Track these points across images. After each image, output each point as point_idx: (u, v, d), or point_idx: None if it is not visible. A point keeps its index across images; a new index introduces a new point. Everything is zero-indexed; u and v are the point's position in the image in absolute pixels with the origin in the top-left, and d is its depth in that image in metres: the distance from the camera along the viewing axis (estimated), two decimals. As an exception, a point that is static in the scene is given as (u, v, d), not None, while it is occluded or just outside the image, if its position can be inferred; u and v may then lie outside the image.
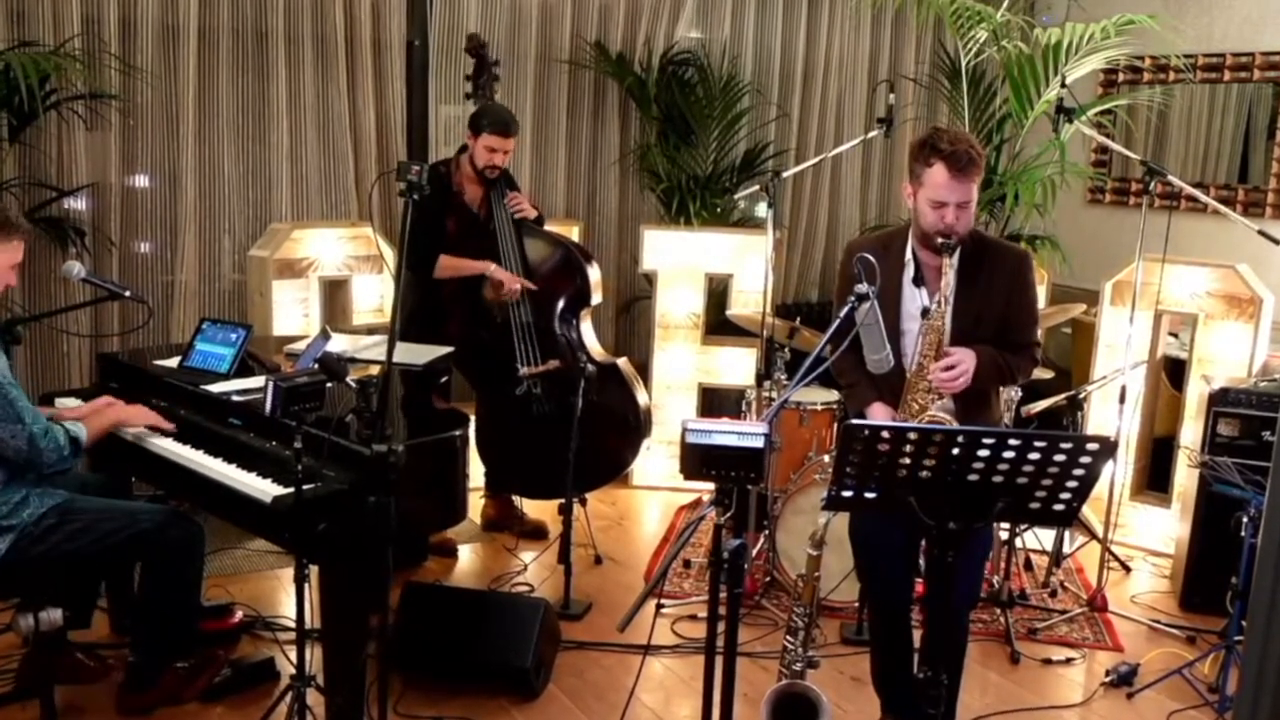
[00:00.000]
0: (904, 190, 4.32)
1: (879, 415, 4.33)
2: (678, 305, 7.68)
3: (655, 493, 7.63)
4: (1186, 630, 5.82)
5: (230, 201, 7.27)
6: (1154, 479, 7.12)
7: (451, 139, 7.83)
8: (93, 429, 4.55)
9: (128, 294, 5.03)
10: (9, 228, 4.38)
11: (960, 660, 4.40)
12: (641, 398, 6.63)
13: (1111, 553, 6.42)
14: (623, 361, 6.69)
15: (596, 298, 6.58)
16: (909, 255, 4.31)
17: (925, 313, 4.20)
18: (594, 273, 6.51)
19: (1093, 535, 6.63)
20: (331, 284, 7.04)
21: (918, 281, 4.30)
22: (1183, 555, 6.17)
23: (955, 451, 3.24)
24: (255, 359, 5.37)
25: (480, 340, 6.31)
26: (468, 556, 6.50)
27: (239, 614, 5.41)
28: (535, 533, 6.74)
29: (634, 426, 6.61)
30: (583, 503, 6.48)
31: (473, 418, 6.66)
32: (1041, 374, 6.31)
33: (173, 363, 5.33)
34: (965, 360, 4.14)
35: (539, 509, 6.81)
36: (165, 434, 4.78)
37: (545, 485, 6.24)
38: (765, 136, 9.14)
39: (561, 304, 6.41)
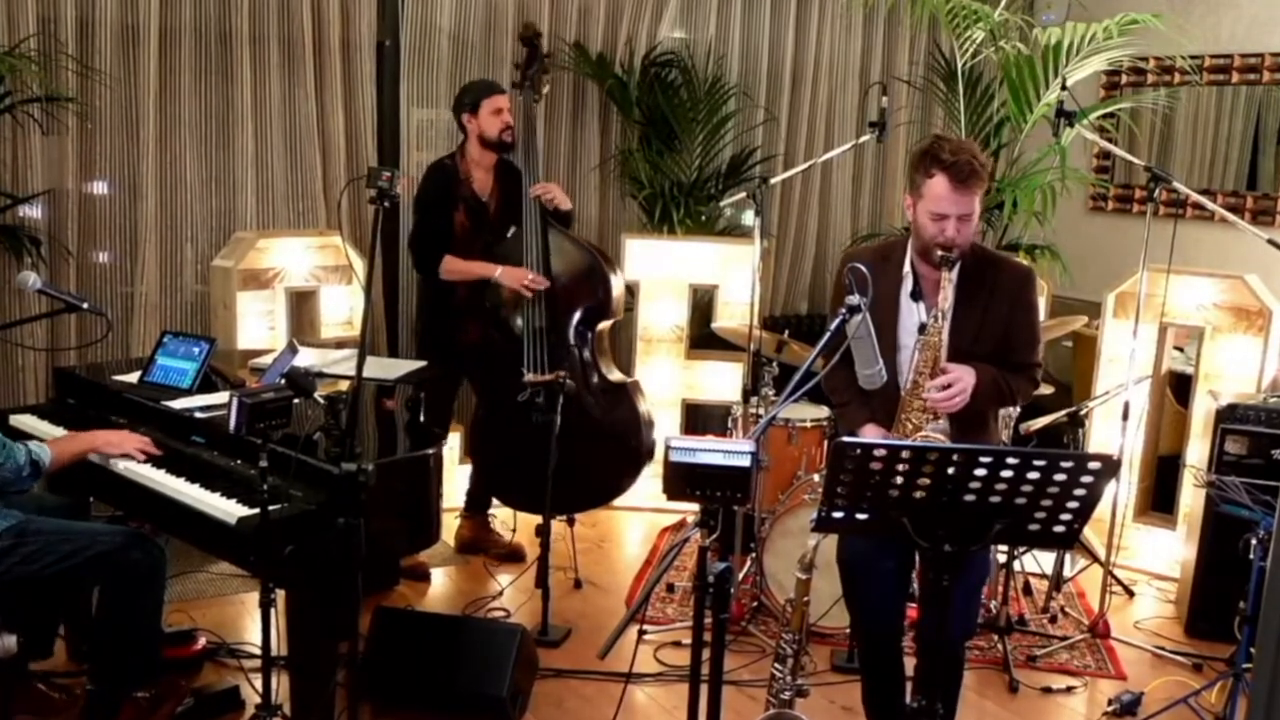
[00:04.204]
0: (904, 201, 4.34)
1: (871, 437, 4.34)
2: (660, 317, 7.71)
3: (638, 514, 7.63)
4: (1192, 657, 5.85)
5: (193, 209, 7.26)
6: (1158, 499, 7.15)
7: (424, 144, 7.85)
8: (62, 451, 4.53)
9: (85, 306, 5.03)
10: None
11: (956, 691, 4.41)
12: (649, 421, 6.66)
13: (1114, 576, 6.45)
14: (633, 381, 6.71)
15: (617, 313, 6.62)
16: (907, 268, 4.32)
17: (923, 328, 4.21)
18: (618, 286, 6.56)
19: (1094, 558, 6.65)
20: (299, 295, 7.06)
21: (916, 295, 4.30)
22: (1188, 579, 6.20)
23: (951, 471, 3.26)
24: (219, 374, 5.38)
25: (493, 342, 6.36)
26: (441, 580, 6.50)
27: (202, 640, 5.40)
28: (512, 556, 6.74)
29: (635, 450, 6.62)
30: (571, 523, 6.50)
31: (455, 434, 6.73)
32: (1041, 389, 6.32)
33: (133, 378, 5.34)
34: (963, 379, 4.15)
35: (518, 527, 6.81)
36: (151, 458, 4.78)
37: (535, 498, 6.18)
38: (752, 141, 9.15)
39: (578, 316, 6.45)
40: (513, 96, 6.59)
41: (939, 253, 4.13)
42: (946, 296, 4.17)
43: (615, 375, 6.68)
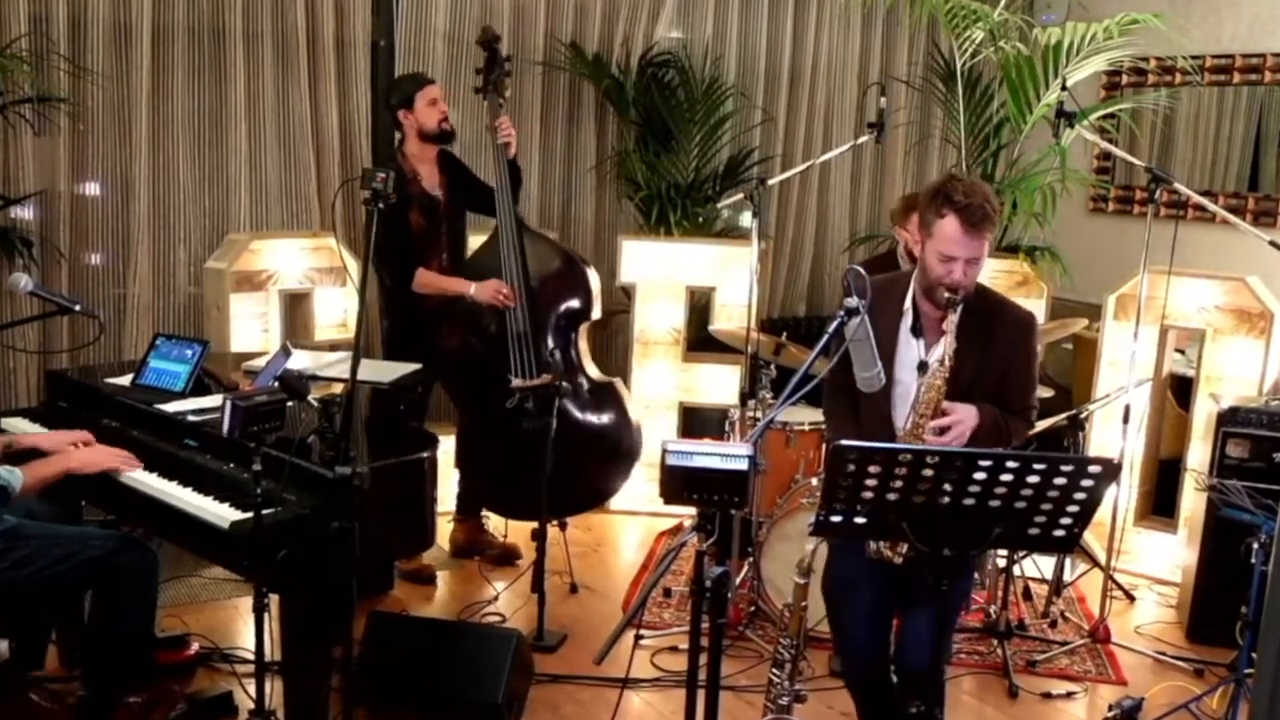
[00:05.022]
0: (912, 237, 4.32)
1: None
2: (657, 320, 7.71)
3: (634, 518, 7.63)
4: (1194, 662, 5.85)
5: (186, 210, 7.26)
6: (1159, 503, 7.15)
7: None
8: (35, 477, 4.47)
9: (78, 308, 5.02)
10: None
11: (940, 703, 4.39)
12: (636, 421, 6.65)
13: (1115, 581, 6.46)
14: (617, 381, 6.71)
15: (596, 312, 6.62)
16: (909, 303, 4.30)
17: (922, 367, 4.20)
18: (596, 285, 6.57)
19: (1095, 563, 6.65)
20: (292, 297, 7.06)
21: (916, 331, 4.30)
22: (1190, 583, 6.21)
23: (950, 475, 3.26)
24: (212, 377, 5.37)
25: (473, 350, 6.34)
26: (436, 584, 6.49)
27: (195, 645, 5.40)
28: (507, 558, 6.74)
29: (625, 451, 6.63)
30: (562, 527, 6.50)
31: (447, 437, 6.70)
32: (1041, 392, 6.32)
33: (125, 380, 5.33)
34: (964, 420, 4.11)
35: (512, 532, 6.81)
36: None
37: (528, 505, 6.17)
38: (750, 142, 9.16)
39: (560, 315, 6.46)
40: (478, 102, 6.57)
41: (945, 295, 4.10)
42: (950, 343, 4.13)
43: (599, 375, 6.69)
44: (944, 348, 4.11)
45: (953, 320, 4.09)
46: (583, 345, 6.62)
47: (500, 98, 6.42)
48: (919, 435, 4.12)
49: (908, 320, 4.29)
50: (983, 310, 4.26)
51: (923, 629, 3.98)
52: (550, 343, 6.39)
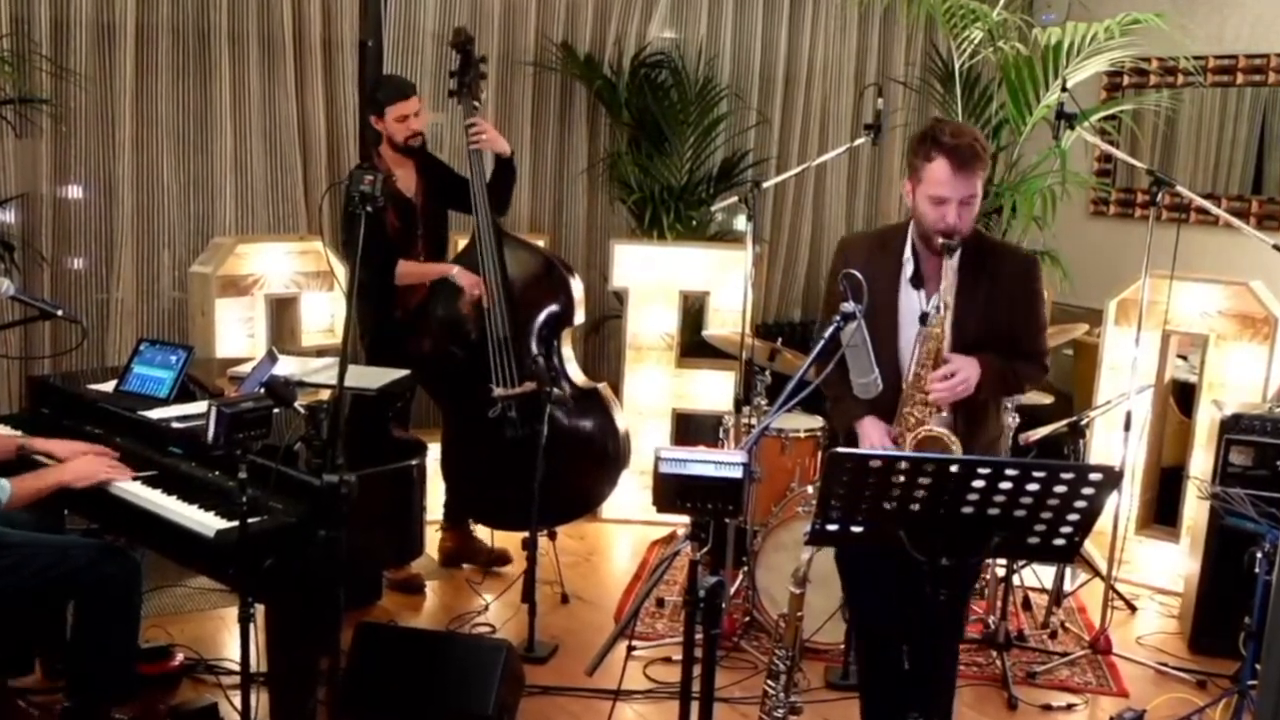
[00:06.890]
0: (903, 187, 4.32)
1: (870, 431, 4.28)
2: (650, 325, 7.70)
3: (626, 526, 7.62)
4: (1196, 674, 5.84)
5: (170, 213, 7.26)
6: (1161, 512, 7.15)
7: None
8: (26, 489, 4.44)
9: (60, 313, 5.01)
10: None
11: (949, 700, 4.39)
12: (622, 426, 6.64)
13: (1116, 591, 6.46)
14: (603, 387, 6.71)
15: (579, 316, 6.60)
16: (908, 254, 4.29)
17: (924, 318, 4.19)
18: (578, 289, 6.54)
19: (1095, 572, 6.66)
20: (279, 302, 7.05)
21: (916, 282, 4.28)
22: (1192, 593, 6.21)
23: (949, 481, 3.26)
24: (197, 383, 5.36)
25: (453, 357, 6.33)
26: (425, 595, 6.49)
27: (179, 656, 5.39)
28: (500, 560, 6.74)
29: (613, 457, 6.61)
30: (552, 536, 6.49)
31: (436, 444, 6.70)
32: (1041, 398, 6.35)
33: (108, 386, 5.32)
34: (965, 369, 4.12)
35: (503, 538, 6.80)
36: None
37: (514, 515, 6.20)
38: (744, 144, 9.18)
39: (541, 321, 6.44)
40: (449, 106, 6.55)
41: (940, 240, 4.10)
42: (949, 286, 4.13)
43: (583, 381, 6.69)
44: (941, 295, 4.11)
45: (950, 266, 4.10)
46: (566, 350, 6.61)
47: (475, 101, 6.40)
48: (921, 386, 4.13)
49: (907, 271, 4.28)
50: (982, 256, 4.27)
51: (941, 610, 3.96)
52: (533, 349, 6.38)
